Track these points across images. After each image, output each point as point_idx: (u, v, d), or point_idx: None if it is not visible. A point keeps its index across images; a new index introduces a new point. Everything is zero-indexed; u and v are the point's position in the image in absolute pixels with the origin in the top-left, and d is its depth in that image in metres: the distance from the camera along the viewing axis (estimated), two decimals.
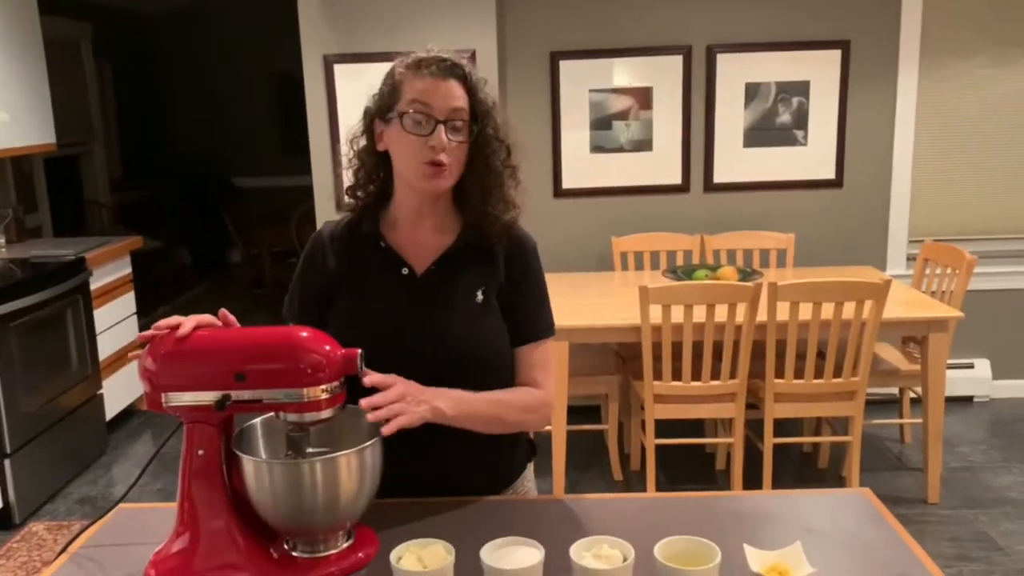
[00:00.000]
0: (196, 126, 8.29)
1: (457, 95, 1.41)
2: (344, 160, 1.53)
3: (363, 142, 1.50)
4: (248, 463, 1.21)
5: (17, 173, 5.11)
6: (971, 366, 4.37)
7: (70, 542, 1.38)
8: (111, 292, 4.21)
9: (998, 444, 3.89)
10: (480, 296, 1.49)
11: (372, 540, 1.33)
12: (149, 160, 7.96)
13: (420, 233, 1.51)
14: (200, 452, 1.25)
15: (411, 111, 1.40)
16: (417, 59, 1.43)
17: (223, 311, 1.35)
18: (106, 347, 4.10)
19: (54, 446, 3.62)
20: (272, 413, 1.35)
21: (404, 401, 1.32)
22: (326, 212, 4.31)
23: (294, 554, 1.28)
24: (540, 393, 1.53)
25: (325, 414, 1.25)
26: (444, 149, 1.39)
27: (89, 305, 3.95)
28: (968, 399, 4.38)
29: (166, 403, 1.24)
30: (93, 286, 4.00)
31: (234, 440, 1.26)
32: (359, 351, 1.28)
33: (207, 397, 1.23)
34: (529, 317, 1.54)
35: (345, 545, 1.29)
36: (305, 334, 1.26)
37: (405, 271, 1.50)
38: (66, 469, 3.76)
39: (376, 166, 1.50)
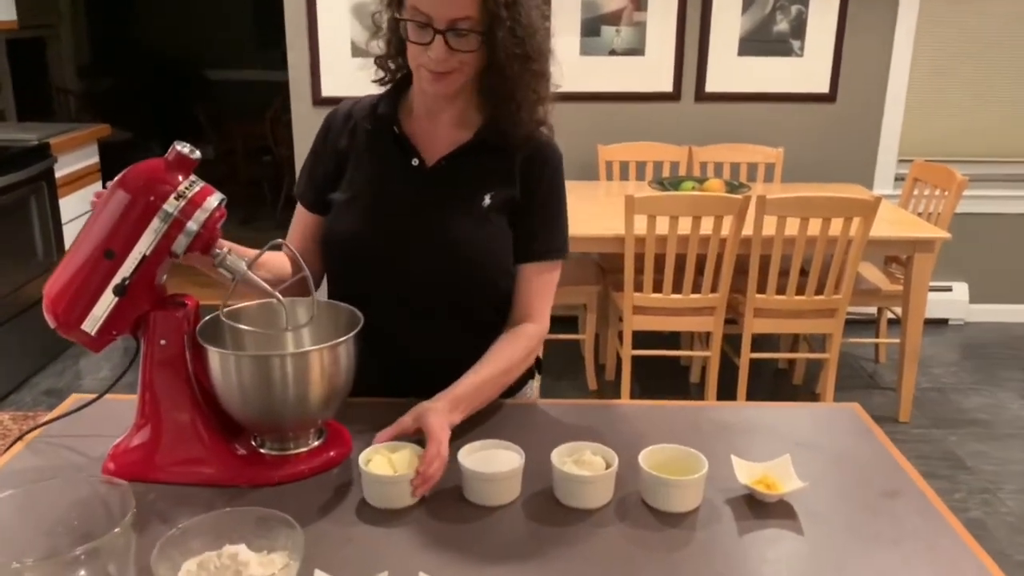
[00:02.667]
0: (169, 14, 7.92)
1: (460, 2, 1.25)
2: (373, 26, 1.39)
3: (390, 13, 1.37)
4: (214, 355, 1.14)
5: None
6: (949, 289, 4.37)
7: (27, 432, 1.31)
8: (77, 181, 4.05)
9: (970, 367, 3.92)
10: (487, 201, 1.39)
11: (345, 440, 1.27)
12: (119, 47, 7.63)
13: (437, 124, 1.41)
14: (162, 342, 1.17)
15: (409, 18, 1.28)
16: None
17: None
18: (72, 236, 3.97)
19: (19, 336, 3.53)
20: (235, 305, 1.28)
21: (443, 455, 1.17)
22: (302, 108, 4.15)
23: (262, 451, 1.22)
24: (534, 330, 1.42)
25: (212, 201, 1.14)
26: (443, 60, 1.27)
27: (54, 193, 3.80)
28: (944, 322, 4.39)
29: (93, 331, 1.15)
30: (58, 174, 3.84)
31: (199, 330, 1.19)
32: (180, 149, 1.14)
33: (106, 299, 1.13)
34: (538, 233, 1.42)
35: (316, 443, 1.24)
36: (121, 175, 1.15)
37: (415, 162, 1.41)
38: (32, 360, 3.68)
39: (403, 42, 1.36)
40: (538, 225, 1.42)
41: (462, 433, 1.28)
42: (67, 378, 3.68)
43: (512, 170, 1.40)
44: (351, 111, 1.47)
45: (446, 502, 1.15)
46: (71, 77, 6.61)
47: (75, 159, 4.04)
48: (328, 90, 4.09)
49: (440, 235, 1.38)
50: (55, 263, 3.80)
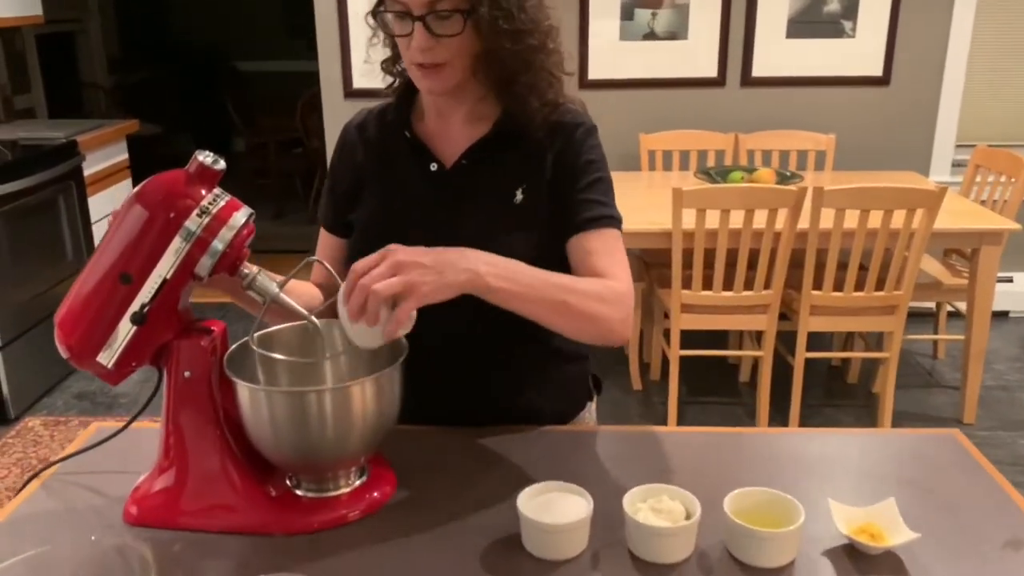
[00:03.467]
0: (198, 5, 7.85)
1: None
2: (369, 29, 1.27)
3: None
4: (243, 390, 1.02)
5: (8, 50, 4.80)
6: (1010, 280, 4.15)
7: (43, 469, 1.20)
8: (107, 179, 3.97)
9: None
10: (519, 196, 1.25)
11: (389, 477, 1.15)
12: (148, 40, 7.57)
13: (451, 124, 1.28)
14: (187, 374, 1.05)
15: (387, 10, 1.16)
16: None
17: None
18: (102, 236, 3.89)
19: (50, 338, 3.43)
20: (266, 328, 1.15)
21: (404, 270, 0.99)
22: (333, 99, 4.03)
23: (298, 492, 1.10)
24: (614, 283, 1.19)
25: (239, 217, 1.02)
26: (426, 49, 1.14)
27: (83, 192, 3.72)
28: (1004, 314, 4.18)
29: (110, 364, 1.03)
30: (87, 172, 3.76)
31: (227, 359, 1.07)
32: (204, 157, 1.02)
33: (124, 328, 1.02)
34: (580, 205, 1.24)
35: (358, 483, 1.11)
36: (137, 189, 1.03)
37: (434, 166, 1.27)
38: (63, 363, 3.56)
39: None
40: (579, 199, 1.24)
41: (520, 474, 1.15)
42: (99, 382, 3.60)
43: (543, 156, 1.25)
44: (364, 122, 1.35)
45: (505, 555, 1.02)
46: (101, 72, 6.55)
47: (104, 156, 3.96)
48: (360, 82, 3.97)
49: (472, 239, 1.21)
50: (84, 263, 3.70)
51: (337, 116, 4.03)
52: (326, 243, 1.38)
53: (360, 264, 1.01)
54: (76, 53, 6.34)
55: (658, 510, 1.01)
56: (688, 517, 1.01)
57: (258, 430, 1.04)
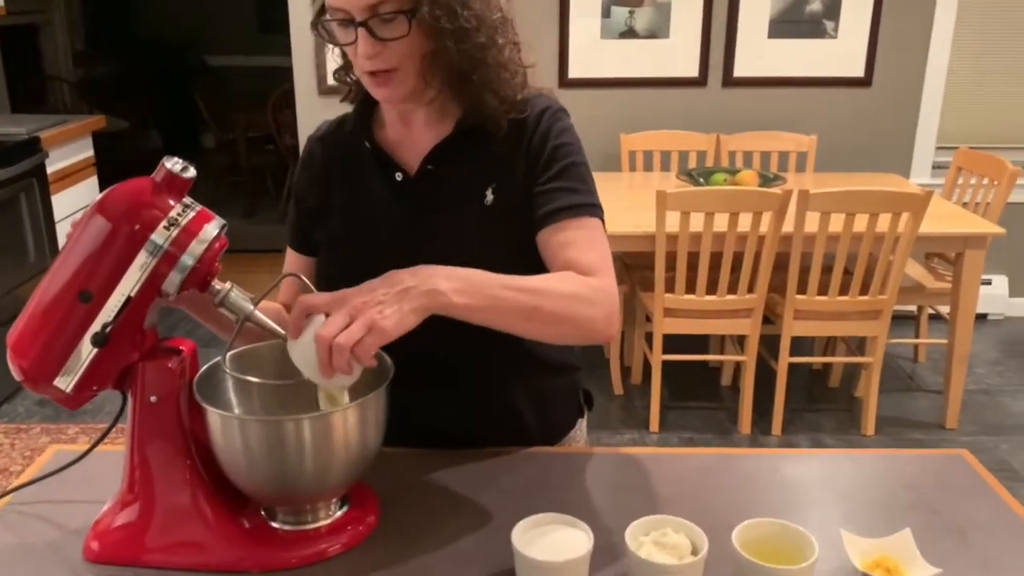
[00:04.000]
0: None
1: None
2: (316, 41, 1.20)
3: None
4: (214, 417, 0.94)
5: None
6: (988, 282, 4.15)
7: None
8: (71, 176, 3.84)
9: (1015, 366, 3.71)
10: (490, 195, 1.16)
11: (372, 506, 1.07)
12: (116, 33, 7.40)
13: (413, 128, 1.20)
14: (153, 398, 0.97)
15: (330, 18, 1.08)
16: None
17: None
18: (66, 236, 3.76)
19: None
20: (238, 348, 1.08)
21: (363, 315, 0.91)
22: (306, 96, 3.93)
23: (273, 525, 1.02)
24: (594, 279, 1.09)
25: (210, 230, 0.94)
26: (373, 56, 1.06)
27: (46, 190, 3.59)
28: (983, 317, 4.18)
29: (68, 388, 0.95)
30: (50, 169, 3.63)
31: (197, 382, 0.98)
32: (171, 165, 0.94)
33: (84, 350, 0.93)
34: (552, 194, 1.14)
35: (339, 514, 1.04)
36: (99, 199, 0.94)
37: (399, 176, 1.20)
38: None
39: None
40: (551, 187, 1.15)
41: (510, 501, 1.08)
42: None
43: (513, 151, 1.17)
44: (325, 134, 1.28)
45: None
46: (66, 65, 6.38)
47: (68, 153, 3.83)
48: (334, 79, 3.86)
49: (439, 256, 1.08)
50: (48, 265, 3.58)
51: (310, 114, 3.94)
52: (293, 262, 1.30)
53: (307, 301, 0.94)
54: (40, 45, 6.17)
55: (662, 544, 0.94)
56: (695, 552, 0.94)
57: (231, 460, 0.96)
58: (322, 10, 1.10)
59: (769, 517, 0.98)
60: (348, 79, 1.24)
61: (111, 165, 4.82)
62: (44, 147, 3.56)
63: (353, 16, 1.05)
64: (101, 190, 4.10)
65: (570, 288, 1.07)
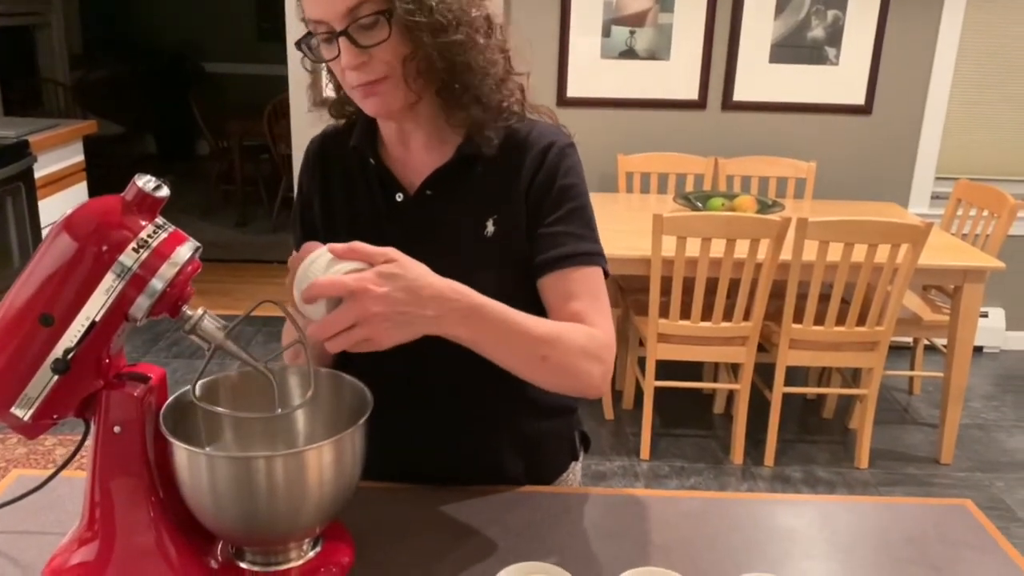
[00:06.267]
0: (166, 3, 7.66)
1: None
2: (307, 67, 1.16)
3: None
4: (180, 453, 0.88)
5: None
6: (985, 315, 4.12)
7: None
8: (60, 181, 3.79)
9: (1011, 401, 3.67)
10: (491, 227, 1.12)
11: (346, 545, 1.01)
12: (113, 37, 7.36)
13: (412, 150, 1.16)
14: (116, 429, 0.91)
15: (312, 33, 1.05)
16: None
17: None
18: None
19: None
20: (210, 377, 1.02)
21: (368, 325, 0.89)
22: (302, 105, 3.88)
23: (241, 565, 0.96)
24: (598, 332, 1.08)
25: (183, 252, 0.89)
26: (358, 66, 1.02)
27: (33, 195, 3.54)
28: (978, 349, 4.14)
29: (26, 417, 0.89)
30: (38, 174, 3.58)
31: (164, 413, 0.93)
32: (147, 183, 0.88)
33: (43, 377, 0.88)
34: (557, 238, 1.11)
35: (311, 554, 0.98)
36: (65, 217, 0.89)
37: (399, 197, 1.15)
38: None
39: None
40: (555, 230, 1.12)
41: (494, 544, 1.02)
42: None
43: (515, 182, 1.13)
44: (330, 142, 1.23)
45: None
46: (62, 68, 6.33)
47: (58, 158, 3.77)
48: (330, 90, 3.81)
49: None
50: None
51: (306, 123, 3.88)
52: None
53: (325, 283, 0.90)
54: (36, 48, 6.13)
55: None
56: None
57: (197, 497, 0.90)
58: (308, 33, 1.06)
59: (765, 572, 0.93)
60: (346, 110, 1.20)
61: (103, 169, 4.77)
62: (33, 151, 3.51)
63: (333, 26, 1.01)
64: (91, 193, 4.05)
65: (580, 342, 1.06)
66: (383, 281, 0.90)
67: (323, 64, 1.10)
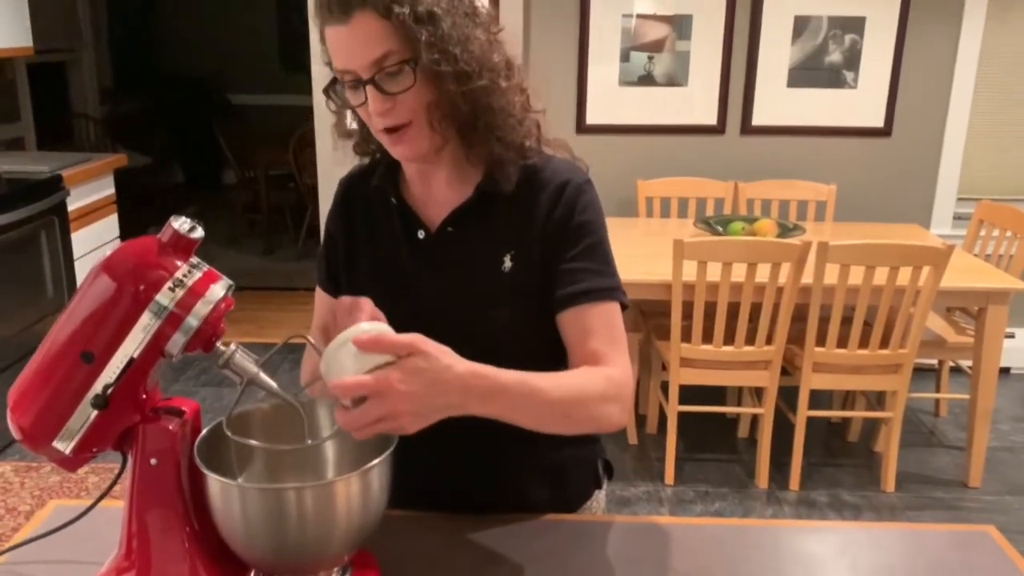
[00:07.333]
0: (193, 36, 7.83)
1: (372, 34, 1.03)
2: (334, 111, 1.20)
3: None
4: (214, 484, 0.92)
5: None
6: (1012, 336, 4.08)
7: None
8: (91, 214, 3.87)
9: None
10: (509, 262, 1.16)
11: (373, 572, 1.04)
12: (141, 71, 7.52)
13: (434, 188, 1.20)
14: (153, 461, 0.95)
15: (339, 81, 1.09)
16: None
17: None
18: (85, 274, 3.78)
19: None
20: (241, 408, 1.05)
21: (395, 420, 0.91)
22: (327, 135, 3.96)
23: None
24: (615, 371, 1.10)
25: (217, 291, 0.92)
26: (384, 112, 1.06)
27: (66, 227, 3.62)
28: (1006, 371, 4.10)
29: (68, 450, 0.93)
30: (71, 207, 3.66)
31: (199, 444, 0.96)
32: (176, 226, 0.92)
33: (84, 412, 0.92)
34: (575, 274, 1.14)
35: None
36: (105, 258, 0.93)
37: (421, 234, 1.19)
38: None
39: None
40: (573, 267, 1.15)
41: (517, 571, 1.05)
42: None
43: (532, 218, 1.16)
44: (358, 180, 1.28)
45: None
46: (92, 102, 6.48)
47: (89, 191, 3.86)
48: (354, 123, 3.88)
49: (455, 316, 1.14)
50: (66, 303, 3.61)
51: (330, 154, 3.96)
52: (323, 302, 1.30)
53: (351, 383, 0.90)
54: (68, 83, 6.28)
55: None
56: None
57: (229, 527, 0.93)
58: (334, 80, 1.10)
59: None
60: (370, 148, 1.24)
61: (132, 200, 4.87)
62: (66, 185, 3.60)
63: (361, 75, 1.05)
64: (121, 224, 4.14)
65: (599, 389, 1.08)
66: (408, 378, 0.90)
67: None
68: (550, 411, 1.05)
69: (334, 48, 1.07)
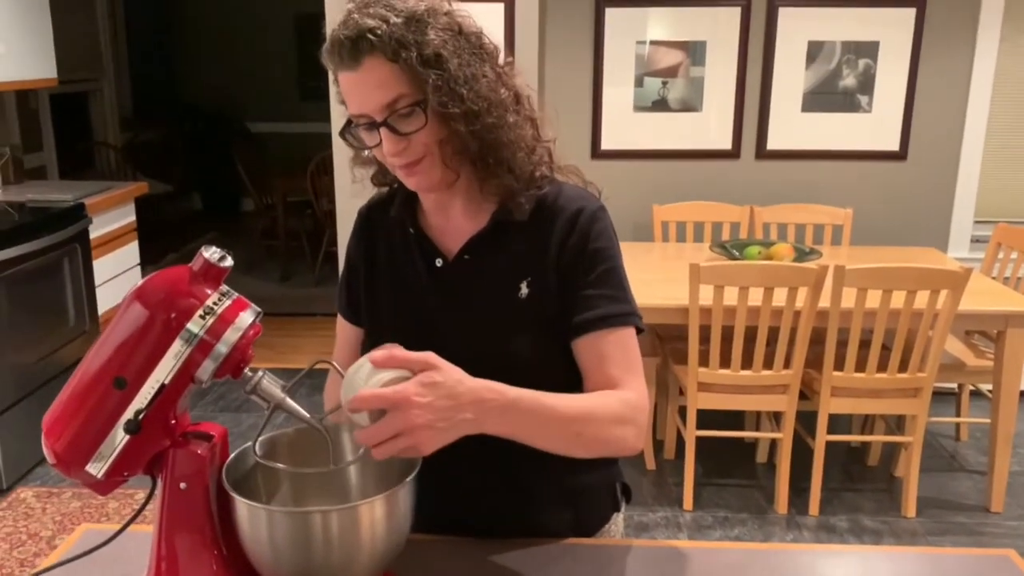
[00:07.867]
0: (212, 65, 7.95)
1: (382, 78, 1.06)
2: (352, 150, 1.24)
3: None
4: (242, 507, 0.93)
5: (23, 110, 4.82)
6: None
7: None
8: (113, 241, 3.93)
9: None
10: (525, 288, 1.17)
11: None
12: (161, 100, 7.64)
13: (450, 217, 1.23)
14: (182, 485, 0.97)
15: (354, 125, 1.13)
16: (330, 37, 1.09)
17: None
18: (106, 300, 3.84)
19: (47, 406, 3.37)
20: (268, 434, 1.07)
21: (412, 435, 0.92)
22: (345, 162, 4.00)
23: None
24: (630, 395, 1.12)
25: (246, 318, 0.94)
26: (398, 152, 1.10)
27: (88, 255, 3.67)
28: None
29: (100, 474, 0.95)
30: (93, 234, 3.72)
31: (227, 468, 0.98)
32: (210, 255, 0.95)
33: (116, 436, 0.94)
34: (590, 300, 1.16)
35: None
36: (138, 287, 0.96)
37: (439, 262, 1.21)
38: None
39: None
40: (589, 293, 1.16)
41: None
42: None
43: (547, 244, 1.18)
44: (377, 210, 1.31)
45: None
46: (113, 131, 6.58)
47: (111, 219, 3.92)
48: (372, 183, 3.93)
49: (473, 343, 1.16)
50: (87, 329, 3.70)
51: (348, 180, 3.99)
52: (343, 330, 1.33)
53: (368, 396, 0.92)
54: (89, 112, 6.39)
55: None
56: None
57: (256, 549, 0.95)
58: (349, 122, 1.13)
59: None
60: (387, 179, 1.27)
61: (152, 226, 4.94)
62: (89, 213, 3.65)
63: (374, 118, 1.08)
64: (141, 250, 4.19)
65: (613, 410, 1.10)
66: (424, 391, 0.92)
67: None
68: (563, 429, 1.06)
69: (347, 93, 1.10)
